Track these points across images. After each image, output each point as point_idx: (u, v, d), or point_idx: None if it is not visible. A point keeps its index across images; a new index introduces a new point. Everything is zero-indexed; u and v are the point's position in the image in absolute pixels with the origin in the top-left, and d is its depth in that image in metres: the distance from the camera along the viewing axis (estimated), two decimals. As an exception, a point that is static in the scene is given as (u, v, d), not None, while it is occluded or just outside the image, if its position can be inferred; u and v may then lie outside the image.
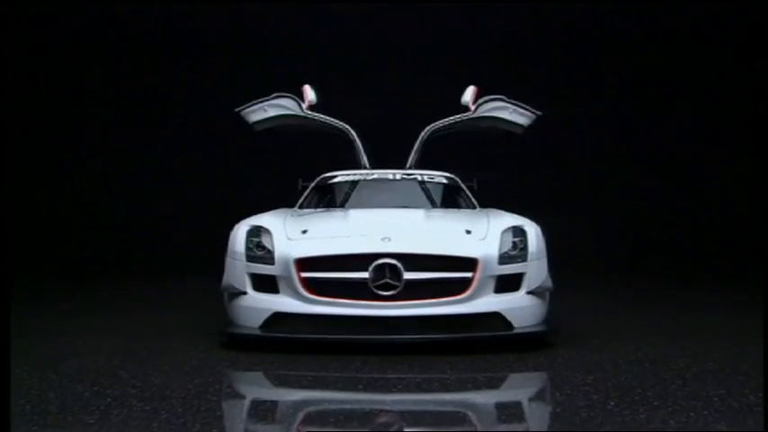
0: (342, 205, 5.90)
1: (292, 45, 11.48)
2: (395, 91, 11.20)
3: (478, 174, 6.84)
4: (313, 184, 6.32)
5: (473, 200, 6.13)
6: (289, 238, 4.53)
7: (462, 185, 6.38)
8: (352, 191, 6.12)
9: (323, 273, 4.33)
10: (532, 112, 6.70)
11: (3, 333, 3.51)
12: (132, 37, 11.77)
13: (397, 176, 6.22)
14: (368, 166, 6.74)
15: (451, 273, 4.34)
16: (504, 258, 4.47)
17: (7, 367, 3.46)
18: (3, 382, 3.21)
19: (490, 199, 6.25)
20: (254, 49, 11.57)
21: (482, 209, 5.79)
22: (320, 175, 6.41)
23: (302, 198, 6.13)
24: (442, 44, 11.67)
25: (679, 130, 11.68)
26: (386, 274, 4.24)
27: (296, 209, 5.79)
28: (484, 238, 4.53)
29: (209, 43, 11.71)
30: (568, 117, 10.67)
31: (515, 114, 6.63)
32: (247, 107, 6.79)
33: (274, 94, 6.72)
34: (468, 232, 4.61)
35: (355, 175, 6.27)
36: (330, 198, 6.18)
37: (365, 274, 4.24)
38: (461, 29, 11.62)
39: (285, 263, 4.37)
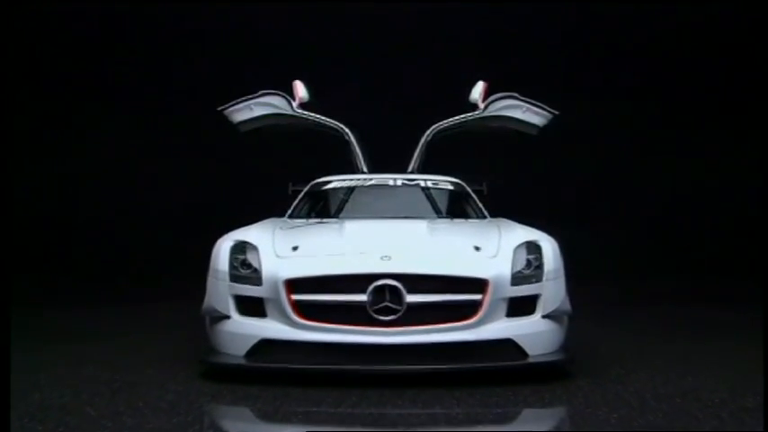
0: (336, 215, 5.84)
1: (283, 39, 11.41)
2: (396, 87, 11.15)
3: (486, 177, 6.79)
4: (305, 191, 6.26)
5: (482, 208, 6.07)
6: (277, 256, 4.45)
7: (470, 192, 6.32)
8: (347, 198, 6.09)
9: (315, 295, 4.25)
10: (549, 112, 6.65)
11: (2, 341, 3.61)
12: (117, 38, 11.70)
13: (398, 182, 6.18)
14: (365, 170, 6.72)
15: (458, 295, 4.25)
16: (518, 278, 4.38)
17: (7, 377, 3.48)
18: (2, 392, 3.31)
19: (500, 204, 6.20)
20: (244, 45, 11.50)
21: (492, 219, 5.74)
22: (312, 179, 6.38)
23: (293, 206, 6.06)
24: (448, 37, 11.59)
25: (696, 134, 11.63)
26: (386, 296, 4.16)
27: (286, 218, 5.73)
28: (494, 256, 4.46)
29: (197, 39, 11.62)
30: (579, 118, 10.56)
31: (529, 113, 6.59)
32: (231, 106, 6.74)
33: (261, 92, 6.69)
34: (477, 249, 4.53)
35: (351, 180, 6.23)
36: (323, 206, 6.13)
37: (363, 297, 4.16)
38: (468, 22, 11.53)
39: (273, 284, 4.29)
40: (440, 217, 5.82)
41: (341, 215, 5.79)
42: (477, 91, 6.66)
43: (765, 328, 5.27)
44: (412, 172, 6.72)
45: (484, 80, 6.71)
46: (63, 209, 11.49)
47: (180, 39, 11.57)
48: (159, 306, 8.04)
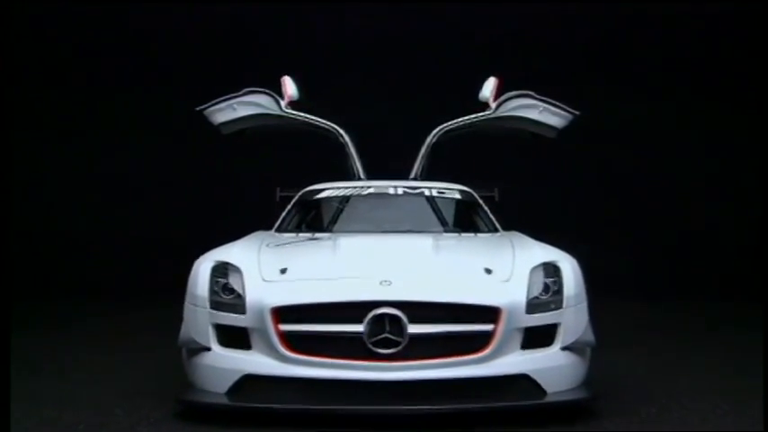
0: (330, 228, 5.83)
1: (272, 33, 11.35)
2: (396, 84, 11.09)
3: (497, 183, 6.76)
4: (295, 200, 6.24)
5: (493, 220, 6.04)
6: (264, 280, 4.40)
7: (480, 201, 6.29)
8: (342, 209, 6.09)
9: (306, 325, 4.19)
10: (569, 112, 6.61)
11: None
12: (99, 40, 11.65)
13: (399, 190, 6.16)
14: (363, 176, 6.69)
15: (467, 325, 4.20)
16: (534, 306, 4.33)
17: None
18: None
19: (512, 213, 6.15)
20: (228, 39, 11.45)
21: (504, 233, 5.71)
22: (303, 186, 6.34)
23: (281, 217, 6.03)
24: (455, 30, 11.52)
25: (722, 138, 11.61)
26: (385, 327, 4.10)
27: (273, 232, 5.70)
28: (508, 280, 4.41)
29: (176, 34, 11.53)
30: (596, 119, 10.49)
31: (546, 114, 6.55)
32: (212, 105, 6.70)
33: (245, 90, 6.65)
34: (489, 271, 4.48)
35: (347, 188, 6.21)
36: (315, 217, 6.12)
37: (359, 328, 4.10)
38: (476, 14, 11.46)
39: (259, 312, 4.24)
40: (446, 231, 5.81)
41: (335, 228, 5.78)
42: (489, 88, 6.61)
43: (765, 333, 5.15)
44: (415, 178, 6.70)
45: (496, 76, 6.65)
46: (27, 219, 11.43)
47: (159, 34, 11.50)
48: (130, 330, 7.95)
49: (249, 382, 4.22)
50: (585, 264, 4.71)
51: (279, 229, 5.82)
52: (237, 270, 4.47)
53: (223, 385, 4.27)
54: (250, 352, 4.26)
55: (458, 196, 6.20)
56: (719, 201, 11.57)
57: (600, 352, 4.74)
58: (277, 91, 6.67)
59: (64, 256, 11.22)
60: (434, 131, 6.78)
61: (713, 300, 9.88)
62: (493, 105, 6.61)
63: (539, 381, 4.24)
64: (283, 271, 4.46)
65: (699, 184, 11.68)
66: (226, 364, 4.29)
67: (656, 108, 11.63)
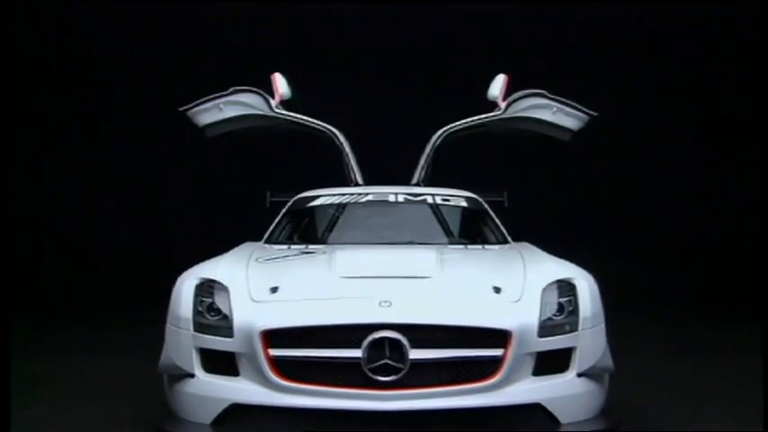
0: (324, 239, 5.81)
1: (268, 30, 11.35)
2: (397, 84, 11.13)
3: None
4: (287, 207, 6.24)
5: (503, 230, 6.02)
6: (253, 300, 4.36)
7: (488, 209, 6.28)
8: (338, 218, 6.07)
9: (299, 350, 4.14)
10: (585, 113, 6.59)
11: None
12: (82, 43, 11.68)
13: (400, 198, 6.16)
14: (361, 182, 6.70)
15: (474, 350, 4.14)
16: (547, 328, 4.28)
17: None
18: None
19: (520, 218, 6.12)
20: (218, 36, 11.46)
21: (514, 244, 5.69)
22: (295, 192, 6.35)
23: (272, 227, 6.02)
24: (458, 24, 11.52)
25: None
26: (385, 352, 4.05)
27: (263, 244, 5.68)
28: (518, 300, 4.36)
29: (172, 35, 11.56)
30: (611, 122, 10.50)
31: (560, 115, 6.55)
32: (196, 106, 6.68)
33: (232, 89, 6.63)
34: (498, 290, 4.43)
35: (343, 195, 6.21)
36: (309, 227, 6.12)
37: (357, 353, 4.06)
38: (483, 10, 11.45)
39: (247, 335, 4.19)
40: (451, 242, 5.78)
41: (330, 239, 5.77)
42: (497, 86, 6.62)
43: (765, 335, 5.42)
44: (417, 184, 6.72)
45: (505, 74, 6.64)
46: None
47: (147, 33, 11.51)
48: (115, 349, 7.90)
49: (236, 412, 4.18)
50: (599, 276, 4.66)
51: (269, 240, 5.80)
52: (224, 288, 4.43)
53: (208, 415, 4.22)
54: (237, 379, 4.22)
55: (464, 204, 6.19)
56: (725, 204, 11.58)
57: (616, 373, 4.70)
58: (267, 90, 6.66)
59: (48, 270, 11.21)
60: (439, 133, 6.81)
61: (723, 314, 9.88)
62: (502, 105, 6.61)
63: (552, 410, 4.20)
64: (274, 290, 4.41)
65: (706, 188, 11.69)
66: (211, 391, 4.25)
67: (660, 110, 11.63)
